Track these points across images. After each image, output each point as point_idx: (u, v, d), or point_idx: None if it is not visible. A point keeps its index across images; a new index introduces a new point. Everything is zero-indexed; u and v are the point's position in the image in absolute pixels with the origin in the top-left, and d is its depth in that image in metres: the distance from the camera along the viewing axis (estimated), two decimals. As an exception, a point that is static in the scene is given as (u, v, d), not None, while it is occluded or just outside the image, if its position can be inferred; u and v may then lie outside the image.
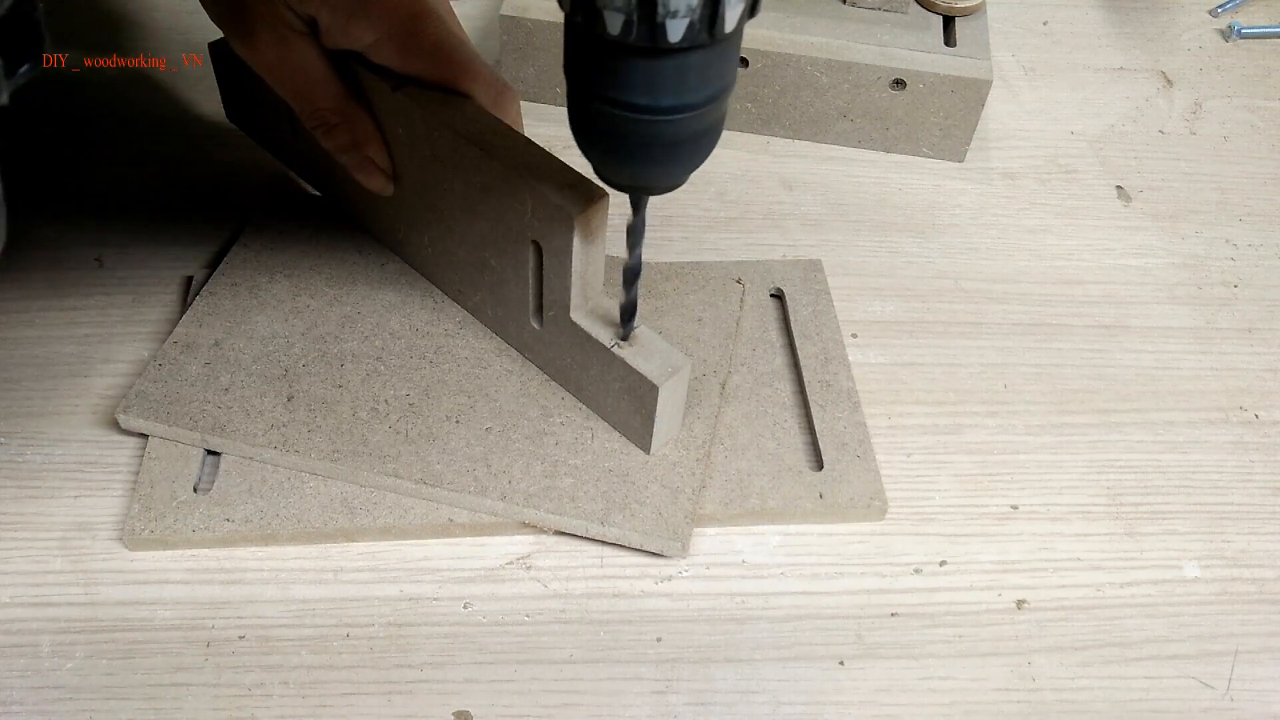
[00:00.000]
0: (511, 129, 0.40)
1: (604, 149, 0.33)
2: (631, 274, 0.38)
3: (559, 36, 0.58)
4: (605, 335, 0.41)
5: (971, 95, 0.57)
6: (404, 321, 0.47)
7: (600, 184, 0.36)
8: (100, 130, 0.57)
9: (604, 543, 0.41)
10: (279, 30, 0.40)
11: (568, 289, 0.40)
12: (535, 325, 0.43)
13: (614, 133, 0.32)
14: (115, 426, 0.44)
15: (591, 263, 0.40)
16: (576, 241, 0.38)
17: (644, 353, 0.40)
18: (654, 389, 0.39)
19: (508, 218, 0.40)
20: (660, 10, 0.28)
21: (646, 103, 0.31)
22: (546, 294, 0.41)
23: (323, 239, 0.50)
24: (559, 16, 0.58)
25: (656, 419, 0.41)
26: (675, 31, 0.28)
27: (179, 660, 0.38)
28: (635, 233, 0.37)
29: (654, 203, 0.55)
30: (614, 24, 0.28)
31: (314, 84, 0.42)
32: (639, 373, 0.40)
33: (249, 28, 0.40)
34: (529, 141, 0.40)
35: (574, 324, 0.41)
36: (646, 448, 0.42)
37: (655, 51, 0.29)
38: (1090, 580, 0.42)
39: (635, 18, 0.28)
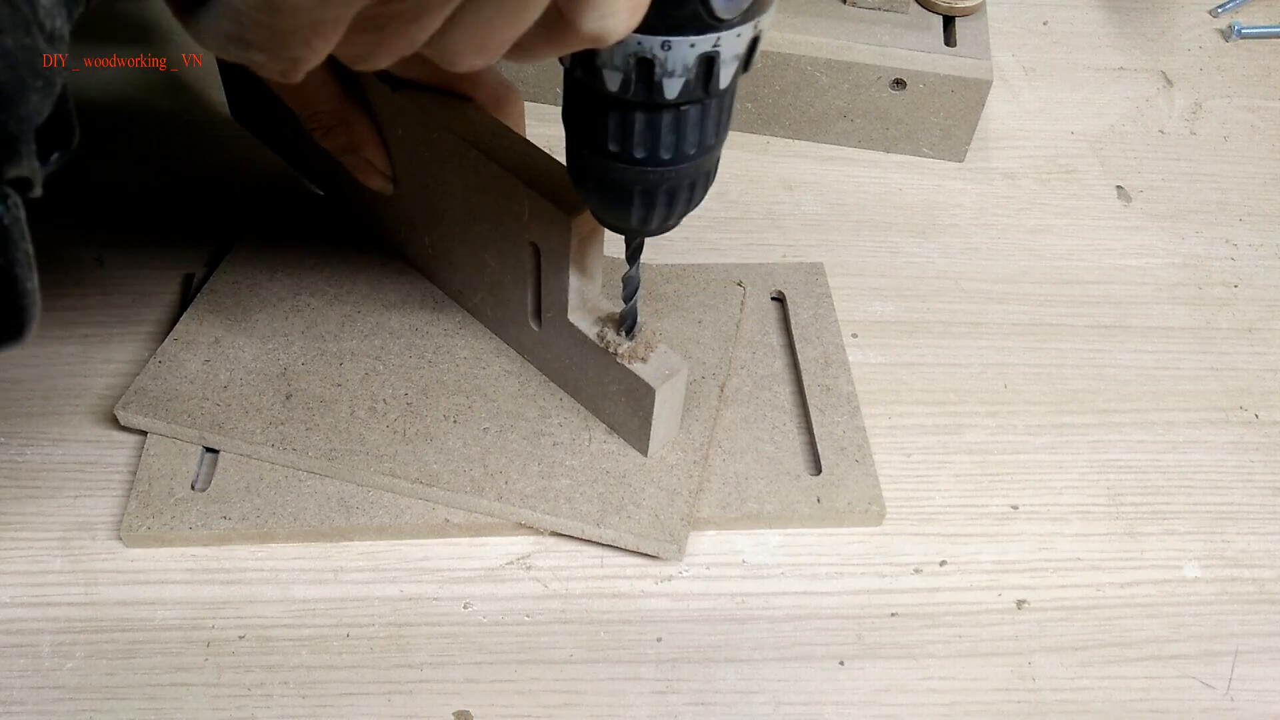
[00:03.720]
0: (511, 130, 0.40)
1: (602, 195, 0.34)
2: (630, 289, 0.39)
3: (559, 36, 0.59)
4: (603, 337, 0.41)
5: (971, 95, 0.57)
6: (403, 321, 0.47)
7: None
8: (100, 130, 0.57)
9: (604, 543, 0.41)
10: None
11: (565, 291, 0.40)
12: (534, 327, 0.43)
13: (612, 181, 0.33)
14: (115, 426, 0.44)
15: (589, 265, 0.40)
16: (574, 245, 0.38)
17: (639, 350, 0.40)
18: (651, 391, 0.39)
19: (506, 220, 0.40)
20: (657, 70, 0.29)
21: (643, 155, 0.32)
22: (545, 296, 0.41)
23: (324, 238, 0.50)
24: (559, 16, 0.58)
25: (654, 421, 0.41)
26: (672, 89, 0.29)
27: (179, 660, 0.38)
28: (633, 263, 0.38)
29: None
30: (613, 81, 0.29)
31: (312, 86, 0.42)
32: (636, 375, 0.40)
33: None
34: (528, 143, 0.40)
35: (572, 326, 0.41)
36: (644, 450, 0.42)
37: (652, 107, 0.30)
38: (1090, 580, 0.42)
39: (633, 77, 0.29)
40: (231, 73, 0.51)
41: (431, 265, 0.48)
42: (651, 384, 0.39)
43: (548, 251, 0.39)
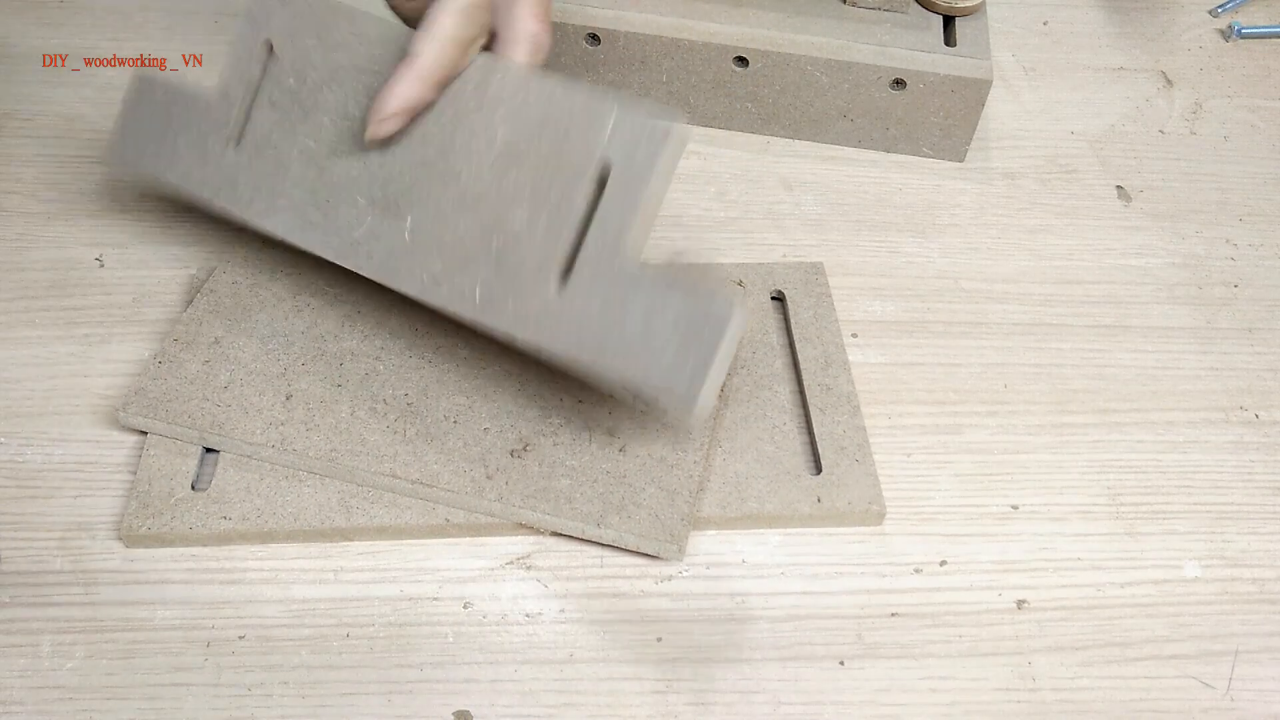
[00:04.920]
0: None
1: None
2: None
3: (559, 36, 0.59)
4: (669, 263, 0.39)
5: (971, 95, 0.57)
6: (404, 321, 0.47)
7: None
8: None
9: (603, 543, 0.41)
10: None
11: (631, 218, 0.38)
12: (554, 288, 0.40)
13: None
14: (115, 426, 0.44)
15: (659, 191, 0.38)
16: (664, 157, 0.37)
17: (701, 284, 0.38)
18: (724, 318, 0.36)
19: (569, 148, 0.39)
20: None
21: None
22: (594, 234, 0.39)
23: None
24: (559, 17, 0.58)
25: (715, 360, 0.37)
26: None
27: (179, 660, 0.38)
28: None
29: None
30: None
31: None
32: (711, 296, 0.37)
33: None
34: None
35: (617, 269, 0.38)
36: (693, 403, 0.37)
37: None
38: (1090, 580, 0.42)
39: None
40: (144, 102, 0.49)
41: (400, 258, 0.43)
42: (726, 309, 0.36)
43: (627, 173, 0.38)
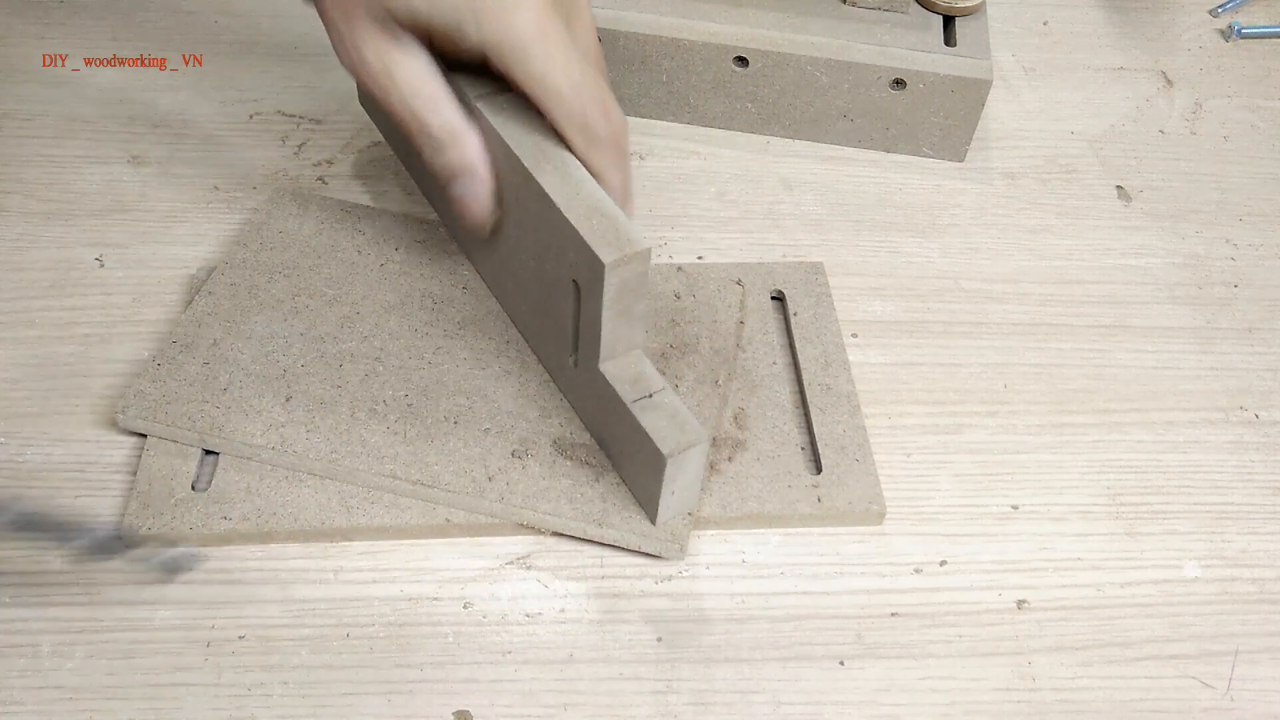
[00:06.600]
0: (582, 168, 0.39)
1: None
2: None
3: (559, 36, 0.59)
4: (627, 392, 0.39)
5: (971, 95, 0.57)
6: (403, 322, 0.47)
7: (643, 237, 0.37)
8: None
9: (604, 543, 0.41)
10: (387, 35, 0.38)
11: (598, 336, 0.39)
12: (570, 364, 0.42)
13: None
14: (115, 426, 0.44)
15: (623, 314, 0.38)
16: (608, 291, 0.37)
17: (664, 416, 0.39)
18: (662, 460, 0.38)
19: (556, 253, 0.40)
20: None
21: None
22: (583, 335, 0.40)
23: (323, 239, 0.50)
24: (559, 16, 0.58)
25: (663, 492, 0.39)
26: None
27: (179, 660, 0.38)
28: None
29: (654, 202, 0.56)
30: None
31: (424, 99, 0.39)
32: (650, 438, 0.38)
33: (354, 28, 0.38)
34: (592, 182, 0.39)
35: (599, 373, 0.40)
36: (652, 518, 0.40)
37: None
38: (1090, 580, 0.42)
39: None
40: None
41: (510, 298, 0.46)
42: (663, 451, 0.38)
43: (586, 293, 0.38)
